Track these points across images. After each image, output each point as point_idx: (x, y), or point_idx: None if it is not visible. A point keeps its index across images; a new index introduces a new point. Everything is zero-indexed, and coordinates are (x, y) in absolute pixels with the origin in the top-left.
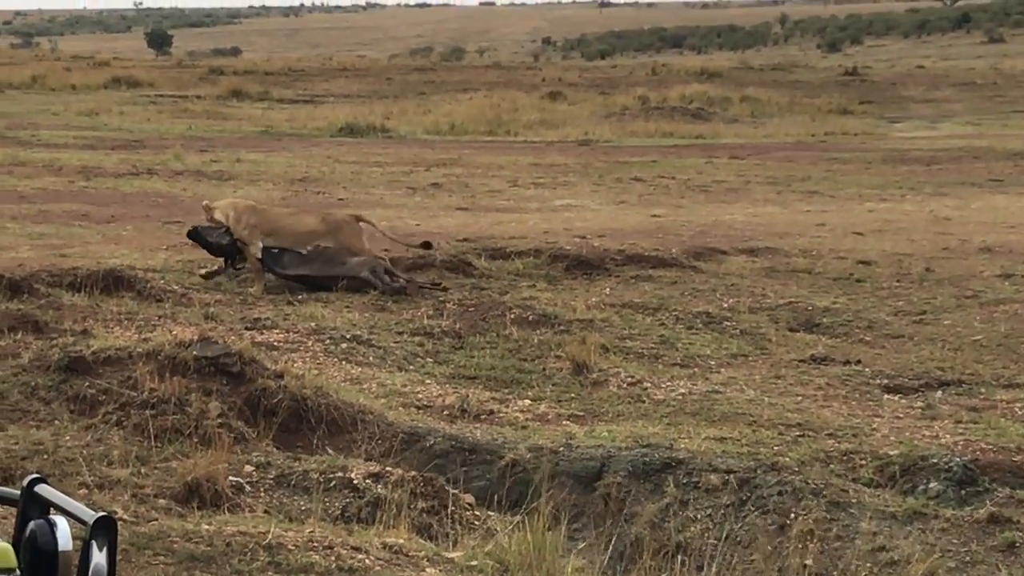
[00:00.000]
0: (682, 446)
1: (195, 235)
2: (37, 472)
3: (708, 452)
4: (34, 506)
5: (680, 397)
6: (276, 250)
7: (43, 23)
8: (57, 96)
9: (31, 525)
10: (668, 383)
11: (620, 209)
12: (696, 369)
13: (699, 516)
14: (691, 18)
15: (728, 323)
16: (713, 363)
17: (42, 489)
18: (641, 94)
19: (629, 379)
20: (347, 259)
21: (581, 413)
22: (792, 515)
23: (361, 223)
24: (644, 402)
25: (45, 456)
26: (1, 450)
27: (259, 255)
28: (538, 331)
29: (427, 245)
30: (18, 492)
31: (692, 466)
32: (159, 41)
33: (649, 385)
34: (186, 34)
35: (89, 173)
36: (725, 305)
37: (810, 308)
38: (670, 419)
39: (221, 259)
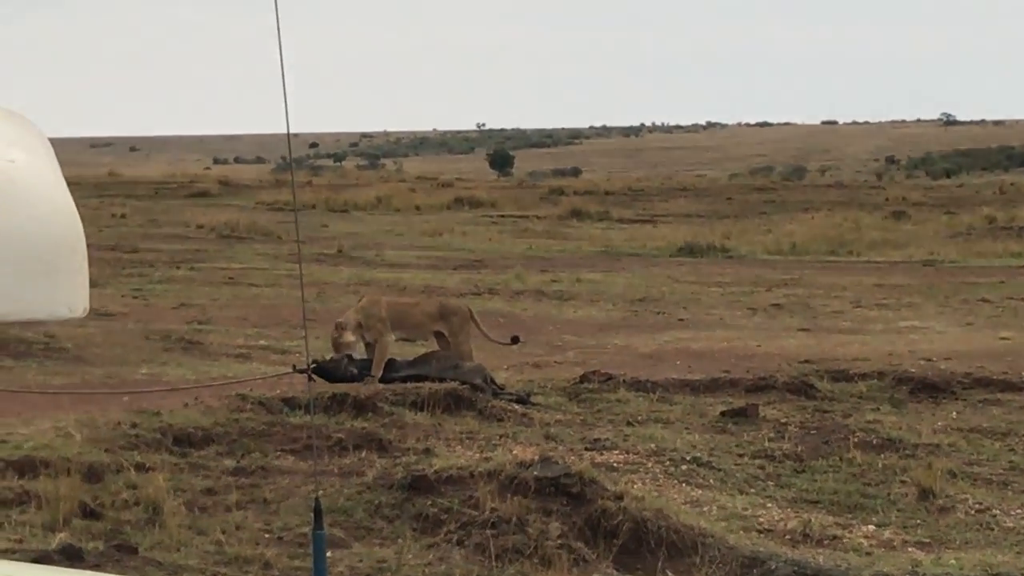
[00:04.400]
0: None
1: (321, 372)
2: None
3: None
4: None
5: None
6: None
7: (388, 145)
8: (401, 216)
9: None
10: (1018, 511)
11: (967, 331)
12: None
13: None
14: None
15: None
16: None
17: None
18: (988, 213)
19: (977, 506)
20: (460, 364)
21: (927, 540)
22: None
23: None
24: (993, 530)
25: (388, 574)
26: (346, 567)
27: (391, 344)
28: (882, 455)
29: (515, 340)
30: None
31: None
32: (501, 162)
33: (998, 512)
34: (527, 155)
35: (431, 293)
36: None
37: None
38: (1020, 548)
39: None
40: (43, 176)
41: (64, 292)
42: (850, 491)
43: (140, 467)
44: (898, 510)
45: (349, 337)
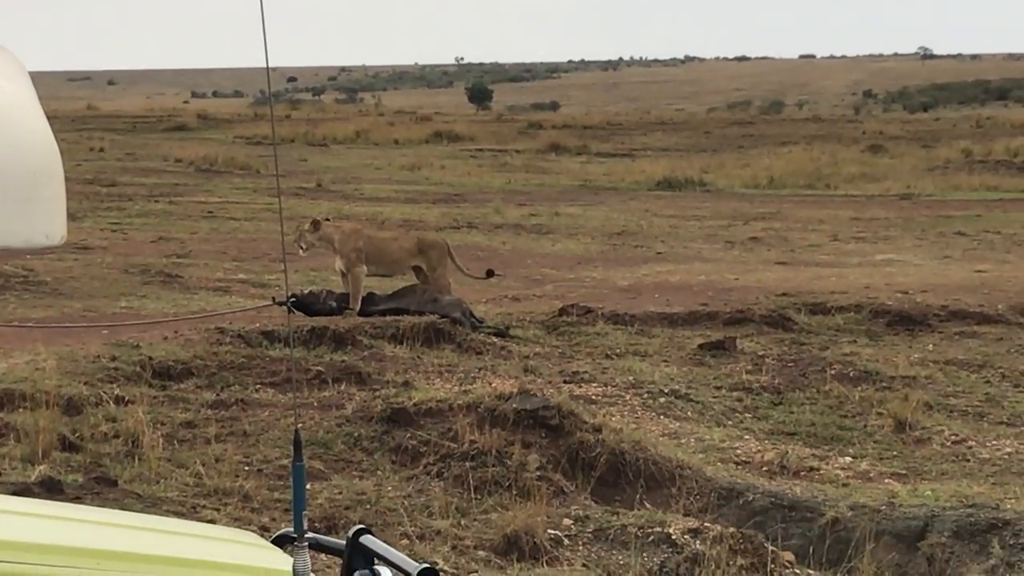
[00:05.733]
0: (1009, 507)
1: (301, 305)
2: (360, 522)
3: None
4: (359, 556)
5: (1007, 456)
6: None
7: (367, 79)
8: (380, 150)
9: (356, 575)
10: (994, 442)
11: (943, 264)
12: (1023, 428)
13: None
14: (1016, 70)
15: None
16: None
17: (367, 540)
18: (965, 147)
19: (953, 437)
20: (439, 298)
21: (903, 471)
22: None
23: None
24: (969, 461)
25: (368, 506)
26: (326, 500)
27: (363, 275)
28: (859, 387)
29: (490, 273)
30: (343, 542)
31: (1019, 527)
32: (479, 96)
33: (974, 444)
34: (506, 89)
35: (410, 227)
36: None
37: None
38: (996, 479)
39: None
40: (20, 102)
41: (41, 220)
42: (827, 423)
43: (119, 400)
44: (875, 442)
45: (311, 238)
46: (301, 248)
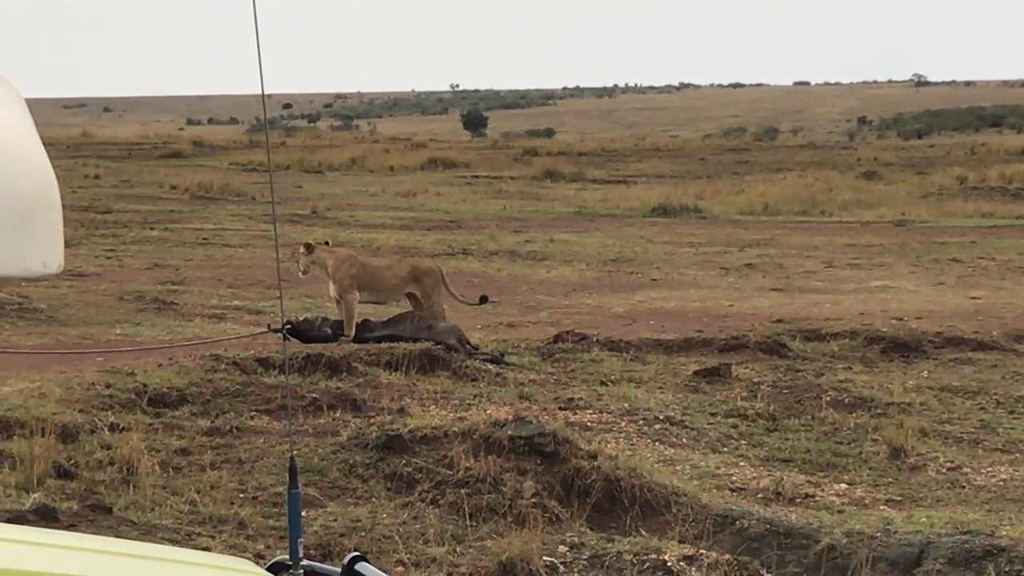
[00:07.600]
0: (1004, 533)
1: (296, 332)
2: (355, 549)
3: None
4: None
5: (1002, 483)
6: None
7: (362, 106)
8: (375, 177)
9: None
10: (989, 468)
11: (938, 291)
12: (1018, 455)
13: None
14: (1011, 96)
15: None
16: None
17: (362, 567)
18: (959, 174)
19: (948, 464)
20: (435, 325)
21: (899, 498)
22: None
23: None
24: (964, 488)
25: (363, 533)
26: (320, 527)
27: (356, 301)
28: (854, 414)
29: (483, 300)
30: (339, 570)
31: (1015, 554)
32: (474, 123)
33: (969, 470)
34: (501, 115)
35: (405, 253)
36: None
37: None
38: (991, 506)
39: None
40: (17, 131)
41: (39, 248)
42: (822, 450)
43: (114, 427)
44: (870, 468)
45: (307, 259)
46: (300, 271)
